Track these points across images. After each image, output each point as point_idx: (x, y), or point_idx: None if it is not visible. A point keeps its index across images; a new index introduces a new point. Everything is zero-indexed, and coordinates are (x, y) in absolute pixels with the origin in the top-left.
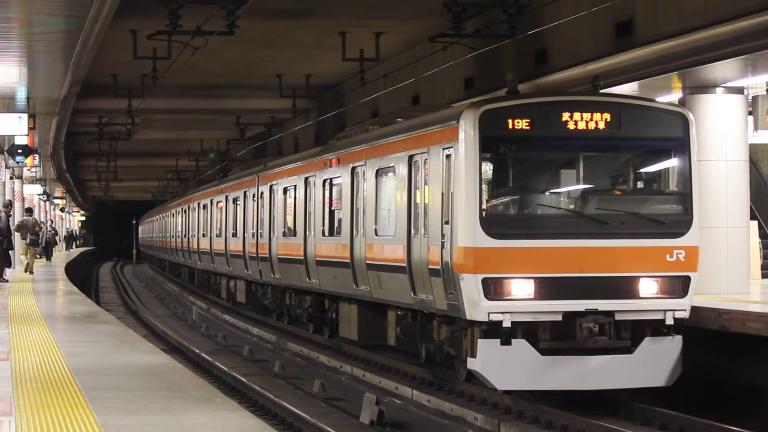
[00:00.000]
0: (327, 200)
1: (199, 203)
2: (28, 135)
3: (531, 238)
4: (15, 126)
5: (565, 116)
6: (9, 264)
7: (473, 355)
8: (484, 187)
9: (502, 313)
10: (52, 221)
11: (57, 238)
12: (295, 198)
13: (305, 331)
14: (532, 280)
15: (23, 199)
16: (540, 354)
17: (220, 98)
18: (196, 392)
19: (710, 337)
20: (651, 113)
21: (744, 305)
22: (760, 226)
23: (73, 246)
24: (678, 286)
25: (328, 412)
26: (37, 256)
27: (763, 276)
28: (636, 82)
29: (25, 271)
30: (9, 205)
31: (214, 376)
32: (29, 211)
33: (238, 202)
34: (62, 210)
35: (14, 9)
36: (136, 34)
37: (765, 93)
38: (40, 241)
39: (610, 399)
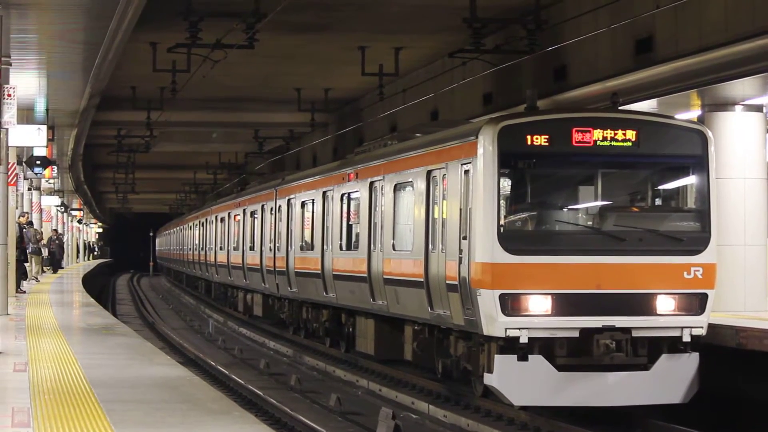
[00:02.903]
0: (345, 214)
1: (216, 216)
2: (46, 146)
3: (549, 254)
4: (34, 137)
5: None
6: (25, 275)
7: (490, 371)
8: (502, 202)
9: (519, 328)
10: (55, 230)
11: (64, 248)
12: (312, 212)
13: (322, 345)
14: (549, 296)
15: (41, 211)
16: (557, 370)
17: (238, 111)
18: (213, 405)
19: (727, 355)
20: (670, 130)
21: (761, 323)
22: None
23: (89, 257)
24: (695, 304)
25: (344, 427)
26: (44, 269)
27: None
28: (655, 99)
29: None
30: (23, 216)
31: (230, 389)
32: (30, 223)
33: (255, 216)
34: (80, 222)
35: (33, 20)
36: (155, 47)
37: None
38: (50, 251)
39: (627, 416)
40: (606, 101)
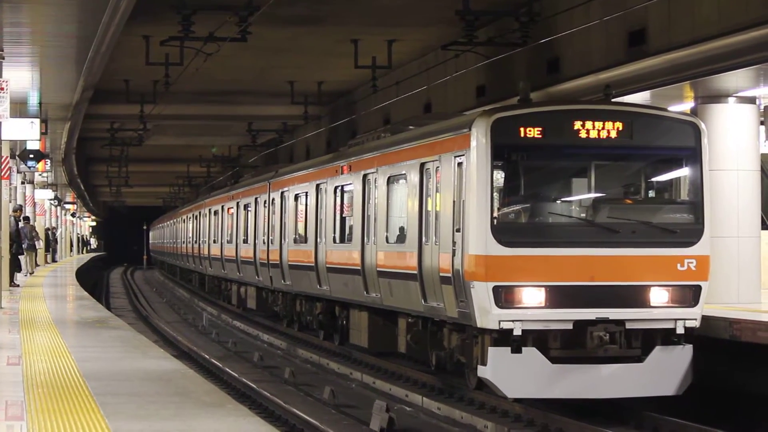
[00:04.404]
0: (338, 207)
1: (210, 209)
2: (39, 140)
3: (542, 247)
4: (27, 131)
5: (577, 125)
6: (19, 268)
7: (484, 363)
8: (496, 195)
9: (512, 321)
10: (25, 218)
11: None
12: (306, 205)
13: (316, 338)
14: (543, 289)
15: (34, 204)
16: (550, 362)
17: (231, 104)
18: (207, 398)
19: (721, 347)
20: (663, 122)
21: (755, 315)
22: None
23: (84, 251)
24: (689, 295)
25: (338, 419)
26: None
27: None
28: (648, 91)
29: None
30: (19, 210)
31: (224, 382)
32: (26, 219)
33: (249, 209)
34: (73, 215)
35: (26, 14)
36: (148, 40)
37: None
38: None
39: (621, 408)
40: (599, 93)
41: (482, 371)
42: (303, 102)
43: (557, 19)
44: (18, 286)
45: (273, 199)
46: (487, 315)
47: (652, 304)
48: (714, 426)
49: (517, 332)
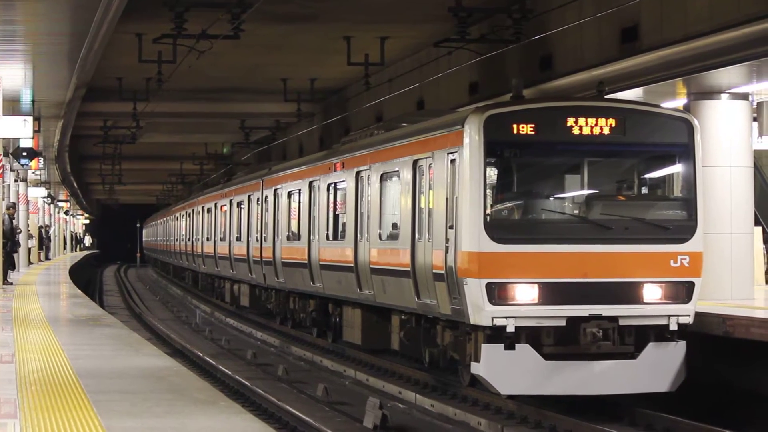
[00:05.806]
0: (331, 204)
1: (203, 207)
2: (32, 138)
3: (535, 243)
4: (20, 129)
5: (570, 121)
6: (13, 267)
7: (477, 360)
8: (489, 191)
9: (506, 317)
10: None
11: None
12: (299, 202)
13: (309, 335)
14: (536, 285)
15: (27, 202)
16: (544, 359)
17: (224, 102)
18: (200, 395)
19: (714, 343)
20: (656, 119)
21: (748, 311)
22: (764, 232)
23: (77, 249)
24: (682, 292)
25: (331, 416)
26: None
27: (767, 282)
28: (641, 87)
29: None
30: (12, 208)
31: (217, 379)
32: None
33: (242, 206)
34: (66, 213)
35: (19, 11)
36: (141, 38)
37: None
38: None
39: (614, 404)
40: (592, 90)
41: (475, 368)
42: (296, 99)
43: (550, 15)
44: (11, 284)
45: (266, 197)
46: (480, 312)
47: (645, 301)
48: (707, 423)
49: (510, 329)
